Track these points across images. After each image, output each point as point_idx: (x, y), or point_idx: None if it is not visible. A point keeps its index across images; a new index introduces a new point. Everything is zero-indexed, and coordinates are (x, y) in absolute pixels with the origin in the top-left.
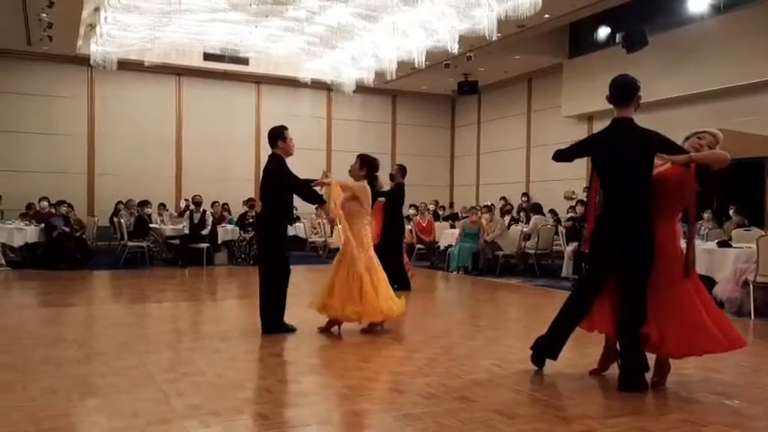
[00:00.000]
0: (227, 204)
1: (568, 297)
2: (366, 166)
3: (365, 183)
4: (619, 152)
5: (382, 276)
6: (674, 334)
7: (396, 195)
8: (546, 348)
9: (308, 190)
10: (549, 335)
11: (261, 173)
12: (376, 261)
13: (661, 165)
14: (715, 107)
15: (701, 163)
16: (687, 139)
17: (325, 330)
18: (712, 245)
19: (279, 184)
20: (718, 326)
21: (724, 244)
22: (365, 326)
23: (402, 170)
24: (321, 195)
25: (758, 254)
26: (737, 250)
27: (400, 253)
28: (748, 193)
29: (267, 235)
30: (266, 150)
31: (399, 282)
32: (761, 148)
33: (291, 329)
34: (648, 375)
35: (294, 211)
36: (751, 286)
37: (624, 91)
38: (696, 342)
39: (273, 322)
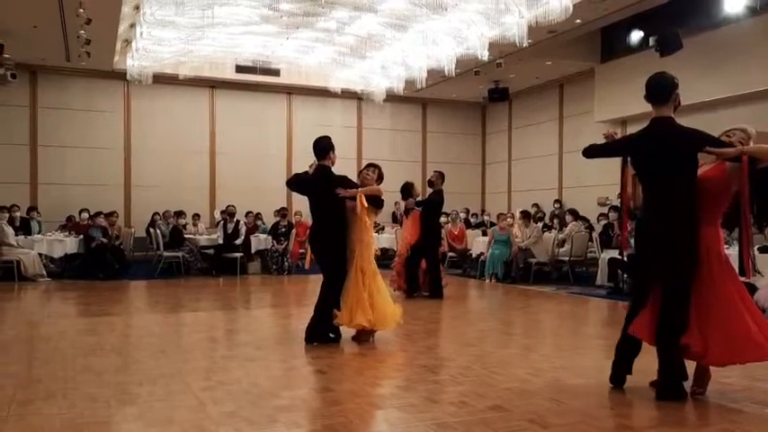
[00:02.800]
0: (260, 214)
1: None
2: (379, 176)
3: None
4: (659, 152)
5: (382, 281)
6: (719, 343)
7: (435, 202)
8: (624, 366)
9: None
10: (617, 352)
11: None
12: (375, 266)
13: (701, 166)
14: (755, 109)
15: (752, 155)
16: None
17: (357, 338)
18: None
19: (333, 194)
20: (764, 333)
21: (765, 249)
22: (354, 333)
23: (441, 177)
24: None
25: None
26: None
27: (437, 260)
28: None
29: (335, 245)
30: (299, 160)
31: (434, 290)
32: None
33: (335, 339)
34: (688, 384)
35: None
36: None
37: (660, 89)
38: (740, 350)
39: (323, 332)
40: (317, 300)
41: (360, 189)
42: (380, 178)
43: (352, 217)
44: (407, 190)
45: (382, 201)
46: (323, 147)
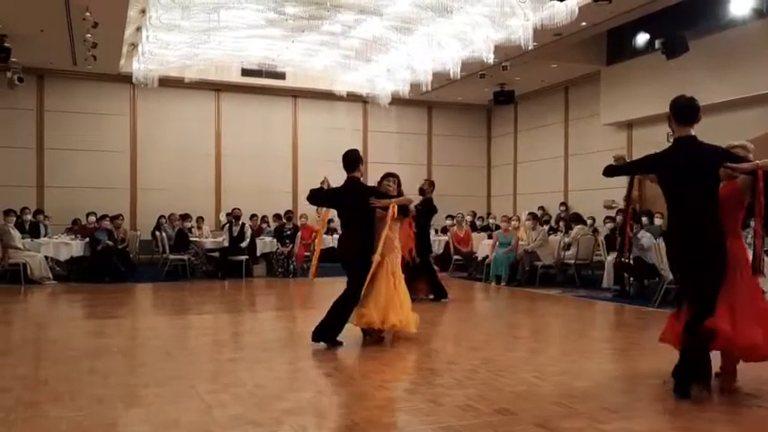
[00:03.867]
0: (265, 217)
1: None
2: (398, 185)
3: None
4: (686, 170)
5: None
6: (748, 329)
7: (426, 210)
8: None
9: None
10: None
11: (300, 185)
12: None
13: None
14: (761, 112)
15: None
16: None
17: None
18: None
19: (366, 204)
20: None
21: None
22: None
23: (432, 185)
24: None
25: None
26: None
27: (431, 265)
28: None
29: (364, 252)
30: (304, 163)
31: (439, 291)
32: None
33: (340, 343)
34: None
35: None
36: None
37: (689, 111)
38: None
39: (333, 334)
40: (336, 301)
41: (393, 200)
42: (399, 186)
43: (380, 225)
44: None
45: (409, 209)
46: (353, 160)
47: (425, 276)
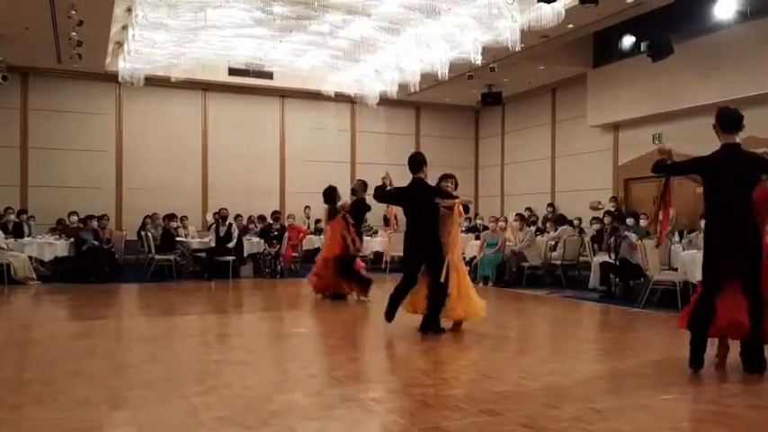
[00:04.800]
0: (252, 216)
1: (694, 310)
2: (456, 185)
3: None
4: (730, 176)
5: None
6: None
7: (357, 209)
8: (698, 356)
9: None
10: (692, 348)
11: (287, 185)
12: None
13: None
14: (746, 114)
15: None
16: None
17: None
18: None
19: (432, 204)
20: None
21: None
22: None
23: (364, 185)
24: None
25: None
26: None
27: (353, 263)
28: None
29: (433, 246)
30: (292, 164)
31: (362, 288)
32: None
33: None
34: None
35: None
36: None
37: (735, 120)
38: None
39: (435, 323)
40: (428, 296)
41: (457, 199)
42: (457, 186)
43: (446, 222)
44: (330, 194)
45: (469, 208)
46: (418, 162)
47: (351, 272)
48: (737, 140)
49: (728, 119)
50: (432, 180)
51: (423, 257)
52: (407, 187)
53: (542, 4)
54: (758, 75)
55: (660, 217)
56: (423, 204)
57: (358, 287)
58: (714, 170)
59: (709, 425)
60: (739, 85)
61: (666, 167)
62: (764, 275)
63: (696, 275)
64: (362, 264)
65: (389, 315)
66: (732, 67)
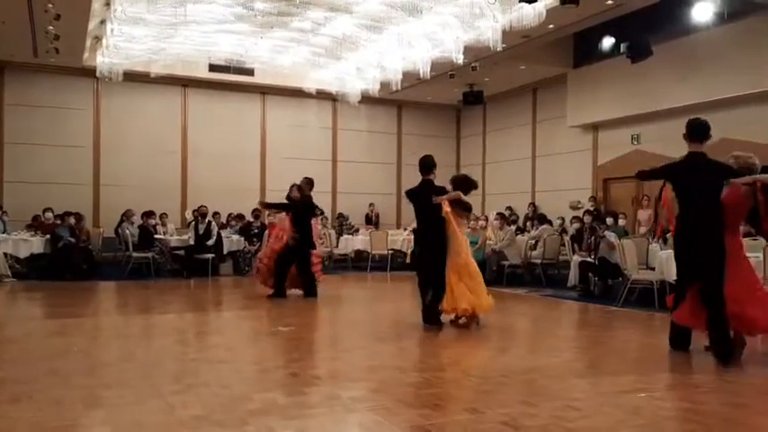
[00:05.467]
0: (232, 214)
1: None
2: (457, 184)
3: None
4: (698, 180)
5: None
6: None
7: (302, 207)
8: (681, 339)
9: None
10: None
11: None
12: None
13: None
14: (723, 116)
15: (765, 183)
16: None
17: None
18: None
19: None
20: None
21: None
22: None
23: (309, 183)
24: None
25: (765, 263)
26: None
27: (308, 262)
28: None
29: (436, 243)
30: (273, 161)
31: (308, 289)
32: (765, 158)
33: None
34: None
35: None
36: None
37: (701, 130)
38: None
39: (435, 315)
40: (429, 288)
41: (445, 196)
42: (458, 186)
43: (451, 222)
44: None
45: (468, 204)
46: (428, 164)
47: (300, 272)
48: (702, 149)
49: (693, 129)
50: (410, 179)
51: (427, 255)
52: (416, 188)
53: (524, 4)
54: (734, 77)
55: (661, 217)
56: (427, 203)
57: (302, 286)
58: (679, 176)
59: (683, 422)
60: (716, 87)
61: (645, 173)
62: (732, 274)
63: (673, 274)
64: (317, 262)
65: (431, 320)
66: (709, 69)
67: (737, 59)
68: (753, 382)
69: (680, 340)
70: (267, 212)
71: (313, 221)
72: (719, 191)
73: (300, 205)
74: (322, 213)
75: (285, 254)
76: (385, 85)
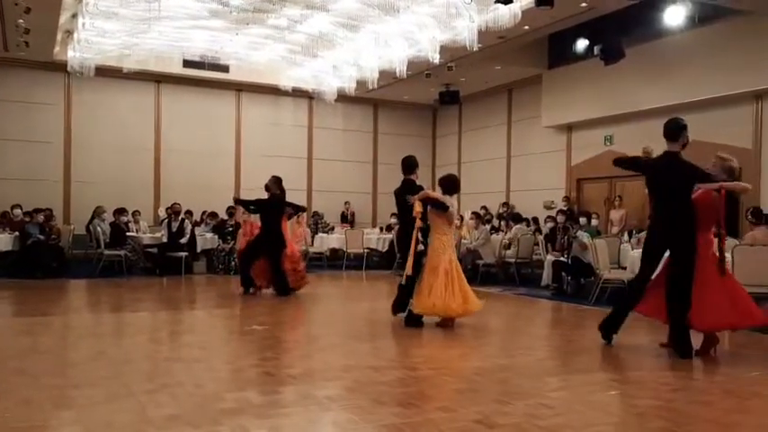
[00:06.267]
0: (206, 212)
1: (628, 288)
2: (441, 185)
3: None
4: (668, 179)
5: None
6: (697, 313)
7: (270, 206)
8: (610, 327)
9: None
10: (611, 317)
11: (242, 181)
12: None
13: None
14: (692, 119)
15: (728, 189)
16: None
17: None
18: None
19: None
20: (736, 311)
21: None
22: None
23: (276, 182)
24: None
25: (733, 263)
26: None
27: (278, 260)
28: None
29: (408, 243)
30: (248, 158)
31: (279, 288)
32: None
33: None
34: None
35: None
36: None
37: (676, 130)
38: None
39: (404, 306)
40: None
41: (415, 196)
42: (443, 186)
43: (432, 221)
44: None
45: (443, 204)
46: (409, 164)
47: (272, 271)
48: (677, 149)
49: (668, 129)
50: (387, 178)
51: (402, 254)
52: (398, 188)
53: (499, 5)
54: (705, 80)
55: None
56: (404, 204)
57: (274, 285)
58: (653, 174)
59: (652, 419)
60: (687, 90)
61: (623, 161)
62: (701, 271)
63: None
64: (292, 260)
65: (409, 323)
66: (680, 72)
67: (708, 63)
68: (718, 380)
69: (609, 326)
70: (242, 211)
71: (294, 220)
72: (690, 191)
73: (269, 204)
74: (303, 211)
75: (249, 250)
76: (361, 84)
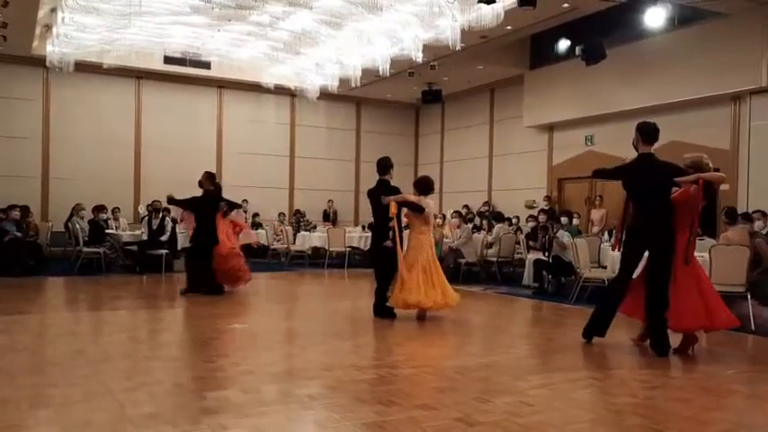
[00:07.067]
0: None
1: (608, 288)
2: (416, 186)
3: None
4: (645, 180)
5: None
6: (674, 314)
7: (204, 203)
8: (594, 329)
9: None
10: (595, 319)
11: (224, 178)
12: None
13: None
14: (671, 120)
15: (706, 180)
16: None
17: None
18: None
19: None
20: (711, 313)
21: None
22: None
23: (208, 178)
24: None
25: (711, 263)
26: None
27: (210, 259)
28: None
29: (382, 242)
30: (229, 155)
31: (208, 287)
32: (714, 161)
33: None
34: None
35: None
36: None
37: (651, 132)
38: (688, 321)
39: (382, 308)
40: (376, 287)
41: (391, 197)
42: (417, 188)
43: (411, 220)
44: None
45: (419, 207)
46: (384, 165)
47: (203, 268)
48: (651, 151)
49: (643, 132)
50: (369, 177)
51: (376, 252)
52: (372, 188)
53: (482, 4)
54: (685, 81)
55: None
56: (379, 204)
57: (203, 284)
58: (631, 177)
59: (631, 416)
60: (667, 91)
61: (600, 173)
62: (679, 270)
63: None
64: (227, 258)
65: (378, 312)
66: (661, 73)
67: (687, 64)
68: (696, 377)
69: (592, 331)
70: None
71: (234, 213)
72: (669, 190)
73: (203, 201)
74: (239, 207)
75: (193, 250)
76: (344, 82)
